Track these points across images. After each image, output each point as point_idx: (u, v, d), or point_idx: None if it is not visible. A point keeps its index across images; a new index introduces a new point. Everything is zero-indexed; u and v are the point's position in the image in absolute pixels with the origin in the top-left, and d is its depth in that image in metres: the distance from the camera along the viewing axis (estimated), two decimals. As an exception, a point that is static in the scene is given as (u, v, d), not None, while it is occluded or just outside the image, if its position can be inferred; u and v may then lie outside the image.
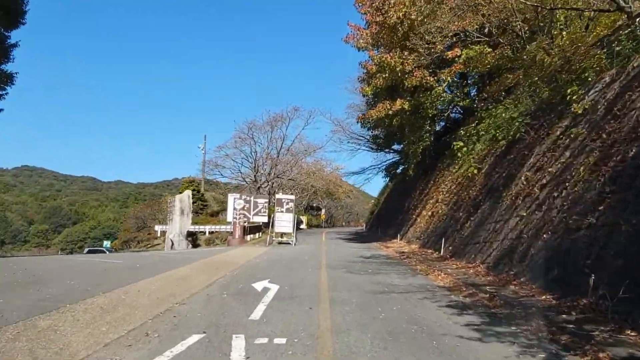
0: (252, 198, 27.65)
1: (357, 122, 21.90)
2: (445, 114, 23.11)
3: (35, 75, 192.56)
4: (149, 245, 31.28)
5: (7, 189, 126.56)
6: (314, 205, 64.52)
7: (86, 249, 35.26)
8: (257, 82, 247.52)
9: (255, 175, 35.40)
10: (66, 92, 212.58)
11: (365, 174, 36.72)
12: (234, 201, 29.27)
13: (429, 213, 20.82)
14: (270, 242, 21.78)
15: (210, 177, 37.51)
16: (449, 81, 19.98)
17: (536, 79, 14.00)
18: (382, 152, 38.41)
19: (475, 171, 15.61)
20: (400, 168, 29.46)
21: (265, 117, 36.96)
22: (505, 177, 13.50)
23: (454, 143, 18.92)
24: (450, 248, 15.08)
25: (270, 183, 34.93)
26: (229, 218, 28.90)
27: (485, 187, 14.96)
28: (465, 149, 18.34)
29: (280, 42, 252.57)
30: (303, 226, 51.16)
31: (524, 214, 10.68)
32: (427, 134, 22.45)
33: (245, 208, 27.16)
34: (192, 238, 26.29)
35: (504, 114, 13.23)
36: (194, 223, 30.39)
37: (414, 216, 24.21)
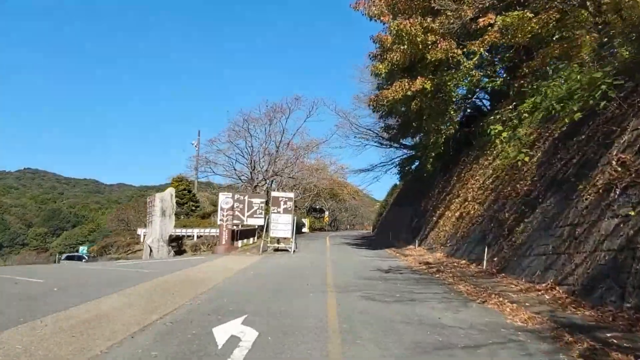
0: (246, 197, 24.19)
1: (369, 105, 18.40)
2: (472, 98, 19.58)
3: (36, 77, 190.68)
4: (129, 252, 27.83)
5: (7, 191, 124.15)
6: (317, 207, 60.97)
7: (64, 256, 31.87)
8: (255, 71, 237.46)
9: (251, 173, 31.80)
10: (68, 94, 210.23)
11: (374, 171, 33.19)
12: (225, 200, 25.83)
13: (456, 214, 17.26)
14: (264, 249, 18.24)
15: (201, 175, 33.93)
16: (481, 52, 16.42)
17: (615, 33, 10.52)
18: (393, 148, 34.91)
19: (527, 159, 12.05)
20: (416, 164, 25.87)
21: (262, 108, 33.34)
22: (577, 164, 9.93)
23: (491, 127, 15.44)
24: (495, 259, 11.52)
25: (268, 181, 31.37)
26: (219, 220, 25.55)
27: (542, 178, 11.40)
28: (505, 134, 14.86)
29: (280, 27, 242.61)
30: (305, 230, 47.65)
31: (632, 213, 7.12)
32: (451, 121, 18.90)
33: (238, 209, 23.73)
34: (178, 243, 22.80)
35: (578, 77, 9.67)
36: (182, 226, 26.94)
37: (434, 218, 20.64)
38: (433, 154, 21.42)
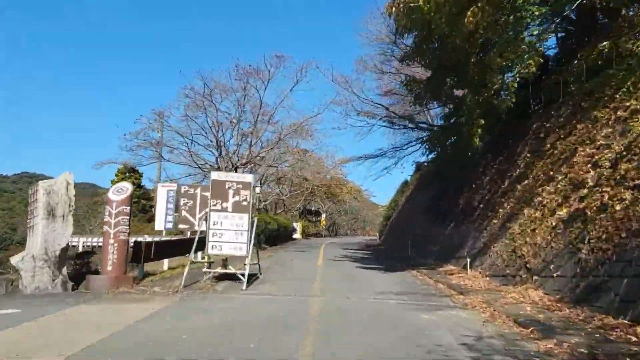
0: (198, 190, 16.05)
1: (389, 14, 10.24)
2: (567, 12, 11.48)
3: (34, 78, 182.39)
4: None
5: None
6: (313, 209, 52.75)
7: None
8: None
9: (217, 159, 23.37)
10: (68, 95, 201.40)
11: (386, 157, 25.13)
12: (166, 195, 17.93)
13: (560, 213, 9.09)
14: (187, 281, 9.65)
15: (138, 161, 24.81)
16: None
17: None
18: (408, 129, 26.89)
19: None
20: (449, 142, 17.55)
21: (233, 72, 24.23)
22: None
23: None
24: None
25: (241, 170, 22.87)
26: (157, 224, 17.59)
27: None
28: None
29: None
30: (297, 235, 39.44)
31: None
32: (535, 52, 10.76)
33: (186, 207, 15.68)
34: (84, 260, 14.57)
35: None
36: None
37: (494, 222, 12.47)
38: (482, 122, 13.45)
